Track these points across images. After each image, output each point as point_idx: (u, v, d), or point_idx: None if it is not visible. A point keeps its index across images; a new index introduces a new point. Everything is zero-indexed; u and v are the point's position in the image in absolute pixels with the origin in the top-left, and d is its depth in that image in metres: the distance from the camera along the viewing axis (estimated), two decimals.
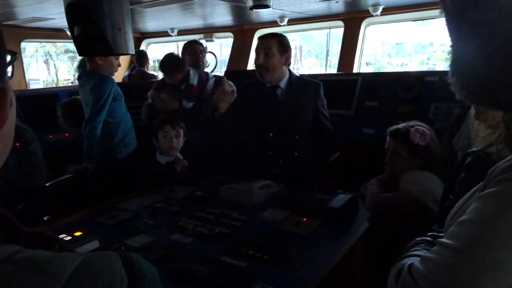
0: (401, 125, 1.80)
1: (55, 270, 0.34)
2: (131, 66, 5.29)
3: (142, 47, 5.73)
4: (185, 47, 3.01)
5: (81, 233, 1.54)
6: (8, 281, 0.32)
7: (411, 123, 1.79)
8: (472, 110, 1.82)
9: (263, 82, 2.27)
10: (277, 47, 2.20)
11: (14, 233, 0.39)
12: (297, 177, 2.15)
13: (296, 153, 2.24)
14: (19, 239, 0.38)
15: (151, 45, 6.01)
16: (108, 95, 2.53)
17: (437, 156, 1.74)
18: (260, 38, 2.30)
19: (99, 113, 2.50)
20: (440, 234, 0.83)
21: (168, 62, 2.64)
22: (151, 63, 5.55)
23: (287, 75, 2.29)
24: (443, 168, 1.71)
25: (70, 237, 1.50)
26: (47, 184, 2.16)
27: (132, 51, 1.63)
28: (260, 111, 2.21)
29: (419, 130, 1.70)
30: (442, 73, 2.94)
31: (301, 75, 2.31)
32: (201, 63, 2.96)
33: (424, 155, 1.71)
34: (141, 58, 4.85)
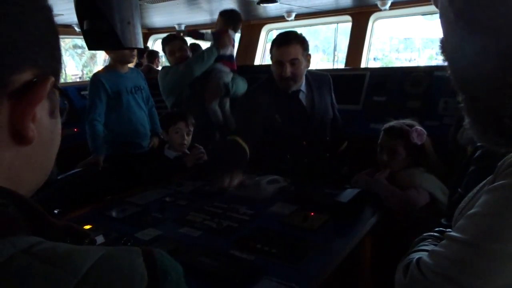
0: (394, 123, 1.88)
1: (73, 264, 0.33)
2: (136, 62, 5.32)
3: (149, 43, 5.74)
4: (163, 46, 2.91)
5: (90, 226, 1.56)
6: (21, 273, 0.31)
7: (407, 121, 1.87)
8: None
9: (277, 86, 2.05)
10: (302, 52, 1.97)
11: (43, 226, 0.38)
12: (324, 175, 2.12)
13: (328, 154, 2.19)
14: (49, 232, 0.37)
15: (158, 41, 6.02)
16: (96, 92, 2.55)
17: (431, 154, 1.84)
18: (280, 44, 1.98)
19: (91, 109, 2.55)
20: (447, 230, 0.83)
21: None
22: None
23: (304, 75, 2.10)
24: (437, 166, 1.82)
25: None
26: (58, 178, 2.18)
27: (141, 44, 1.64)
28: (289, 121, 2.04)
29: (418, 130, 1.79)
30: None
31: (309, 70, 2.25)
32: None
33: (417, 153, 1.82)
34: (152, 55, 4.91)
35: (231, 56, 2.97)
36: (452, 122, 2.32)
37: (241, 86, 3.02)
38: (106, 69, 2.76)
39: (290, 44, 1.96)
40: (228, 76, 2.96)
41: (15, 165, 0.41)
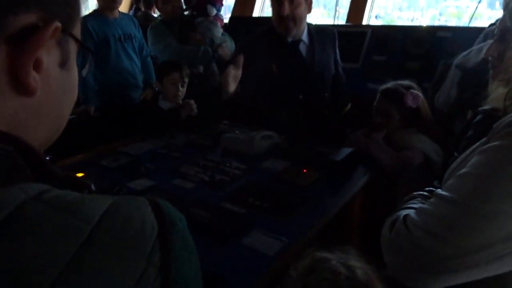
0: (391, 84, 1.84)
1: (85, 212, 0.33)
2: (134, 7, 5.09)
3: None
4: None
5: (82, 174, 1.56)
6: (35, 220, 0.31)
7: (404, 83, 1.84)
8: (453, 69, 1.90)
9: (277, 34, 1.96)
10: None
11: (46, 174, 0.37)
12: (322, 134, 2.09)
13: (325, 112, 2.15)
14: (51, 181, 0.36)
15: None
16: (83, 40, 2.42)
17: (426, 116, 1.82)
18: None
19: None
20: (437, 190, 0.84)
21: None
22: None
23: (306, 26, 2.01)
24: (431, 127, 1.81)
25: None
26: None
27: None
28: (286, 72, 1.96)
29: (413, 94, 1.76)
30: (455, 29, 2.84)
31: (313, 24, 2.09)
32: (180, 12, 2.76)
33: (412, 115, 1.79)
34: (149, 0, 4.67)
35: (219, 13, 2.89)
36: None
37: (229, 45, 2.92)
38: (93, 13, 2.58)
39: None
40: (217, 31, 2.87)
41: (20, 118, 0.38)
